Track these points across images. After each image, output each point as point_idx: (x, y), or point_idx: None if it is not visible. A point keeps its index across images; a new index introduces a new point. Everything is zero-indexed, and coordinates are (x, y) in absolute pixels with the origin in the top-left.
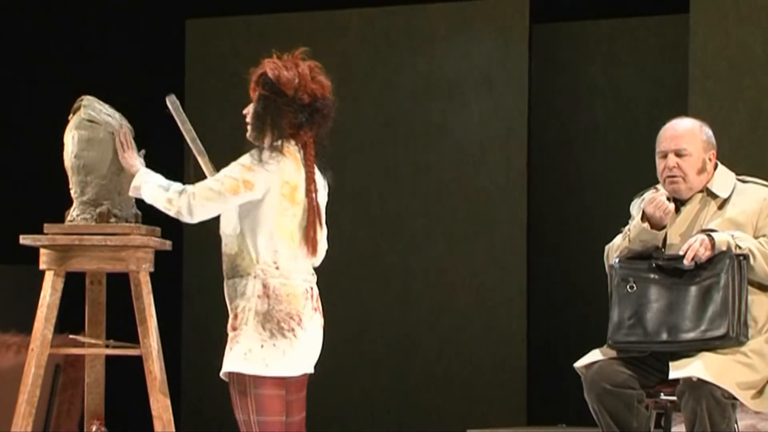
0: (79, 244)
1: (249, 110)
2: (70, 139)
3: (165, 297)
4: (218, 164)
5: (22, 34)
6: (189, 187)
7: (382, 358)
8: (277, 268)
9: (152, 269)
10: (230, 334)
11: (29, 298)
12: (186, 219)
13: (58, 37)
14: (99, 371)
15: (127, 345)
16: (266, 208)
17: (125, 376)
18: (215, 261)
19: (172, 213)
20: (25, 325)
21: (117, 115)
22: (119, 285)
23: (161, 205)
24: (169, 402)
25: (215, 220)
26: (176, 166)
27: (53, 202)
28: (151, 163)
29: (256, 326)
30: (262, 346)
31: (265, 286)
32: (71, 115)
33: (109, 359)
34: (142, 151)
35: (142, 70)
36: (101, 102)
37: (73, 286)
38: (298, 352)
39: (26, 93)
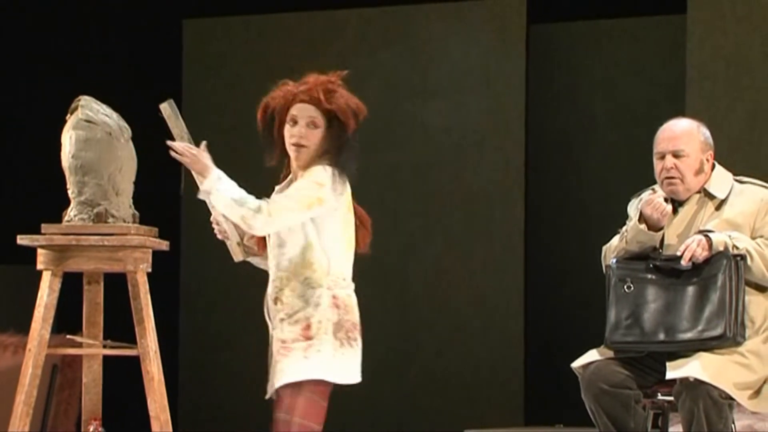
0: (76, 245)
1: (307, 133)
2: (68, 139)
3: (162, 297)
4: (217, 163)
5: (20, 34)
6: (264, 205)
7: (380, 358)
8: (344, 279)
9: (150, 269)
10: (301, 343)
11: (27, 298)
12: (256, 233)
13: (56, 38)
14: (96, 371)
15: (124, 345)
16: (337, 222)
17: (123, 377)
18: (213, 261)
19: (242, 227)
20: (22, 325)
21: (114, 115)
22: (117, 285)
23: (233, 218)
24: (166, 402)
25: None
26: (173, 165)
27: (51, 203)
28: (148, 164)
29: (331, 336)
30: (333, 356)
31: (335, 297)
32: (69, 115)
33: (106, 359)
34: (203, 143)
35: (139, 70)
36: (99, 102)
37: (71, 286)
38: (358, 361)
39: (24, 93)
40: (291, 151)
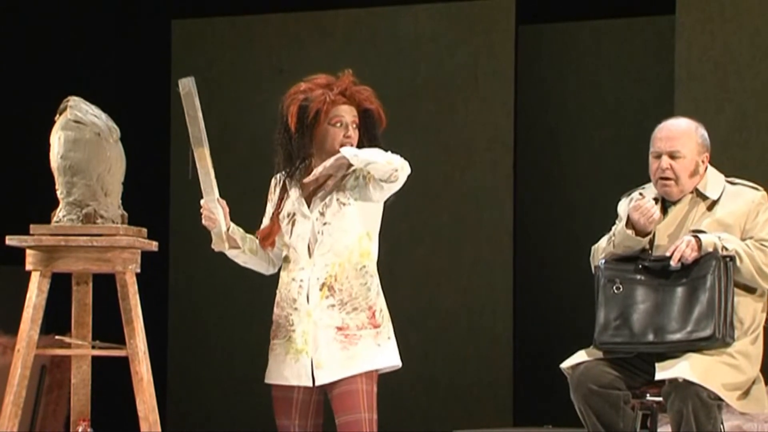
0: (65, 245)
1: (353, 133)
2: (57, 139)
3: (151, 298)
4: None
5: (7, 35)
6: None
7: None
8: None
9: (138, 270)
10: (370, 331)
11: (15, 299)
12: (397, 180)
13: (44, 38)
14: (85, 372)
15: (113, 346)
16: (380, 214)
17: (111, 377)
18: (201, 262)
19: (387, 169)
20: (11, 326)
21: (103, 116)
22: (105, 286)
23: (381, 160)
24: (155, 403)
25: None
26: (162, 166)
27: (39, 203)
28: (137, 165)
29: (390, 324)
30: (395, 343)
31: (379, 284)
32: (57, 116)
33: (95, 360)
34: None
35: (128, 71)
36: (88, 103)
37: (60, 287)
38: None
39: (12, 94)
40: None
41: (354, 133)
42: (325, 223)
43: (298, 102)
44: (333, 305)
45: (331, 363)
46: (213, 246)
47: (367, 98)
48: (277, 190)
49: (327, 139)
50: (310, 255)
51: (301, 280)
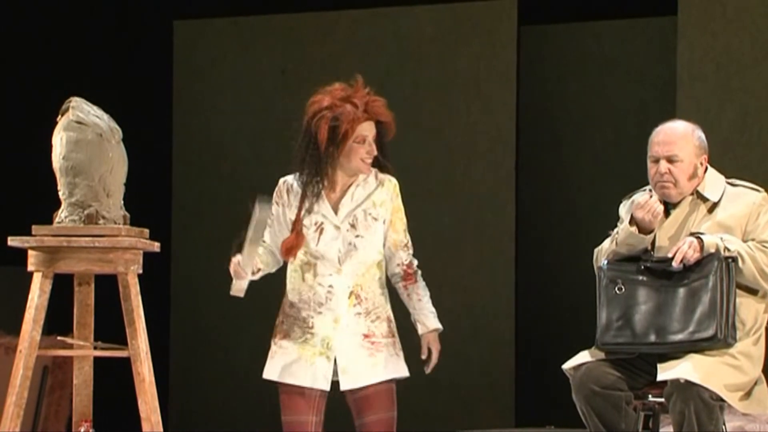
0: (67, 246)
1: (372, 149)
2: (59, 140)
3: (153, 299)
4: (208, 164)
5: (10, 35)
6: None
7: None
8: None
9: (140, 271)
10: (389, 339)
11: (17, 300)
12: None
13: (46, 39)
14: (87, 373)
15: (115, 347)
16: None
17: (113, 378)
18: (203, 262)
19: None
20: (13, 326)
21: (105, 116)
22: (107, 286)
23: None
24: (157, 403)
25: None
26: (164, 166)
27: (41, 204)
28: (140, 164)
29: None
30: None
31: None
32: (59, 116)
33: (97, 361)
34: None
35: (130, 72)
36: (90, 104)
37: (62, 287)
38: None
39: (14, 94)
40: (361, 167)
41: (373, 148)
42: (357, 236)
43: (327, 121)
44: (359, 313)
45: (358, 369)
46: (231, 293)
47: (383, 111)
48: (290, 197)
49: (351, 155)
50: (339, 263)
51: (330, 286)
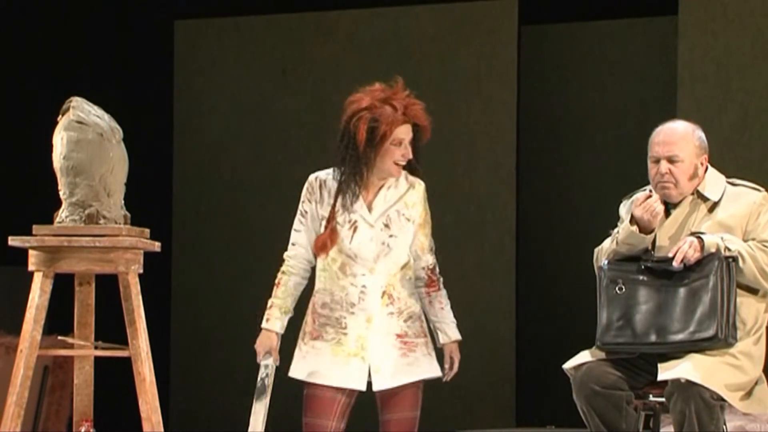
0: (68, 246)
1: (409, 149)
2: (59, 140)
3: (154, 298)
4: (208, 164)
5: (10, 35)
6: None
7: None
8: None
9: (141, 270)
10: (422, 339)
11: (18, 300)
12: None
13: (47, 39)
14: (88, 373)
15: (116, 346)
16: None
17: (114, 378)
18: (204, 262)
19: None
20: (13, 326)
21: (106, 116)
22: (108, 286)
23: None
24: (158, 403)
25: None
26: (165, 166)
27: (42, 204)
28: (140, 164)
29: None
30: None
31: None
32: (60, 116)
33: (98, 361)
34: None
35: (131, 72)
36: (90, 103)
37: (62, 287)
38: None
39: (15, 94)
40: (392, 169)
41: (408, 150)
42: (391, 236)
43: (367, 122)
44: (392, 313)
45: (391, 369)
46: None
47: (421, 115)
48: (323, 192)
49: (386, 156)
50: (373, 262)
51: (363, 286)
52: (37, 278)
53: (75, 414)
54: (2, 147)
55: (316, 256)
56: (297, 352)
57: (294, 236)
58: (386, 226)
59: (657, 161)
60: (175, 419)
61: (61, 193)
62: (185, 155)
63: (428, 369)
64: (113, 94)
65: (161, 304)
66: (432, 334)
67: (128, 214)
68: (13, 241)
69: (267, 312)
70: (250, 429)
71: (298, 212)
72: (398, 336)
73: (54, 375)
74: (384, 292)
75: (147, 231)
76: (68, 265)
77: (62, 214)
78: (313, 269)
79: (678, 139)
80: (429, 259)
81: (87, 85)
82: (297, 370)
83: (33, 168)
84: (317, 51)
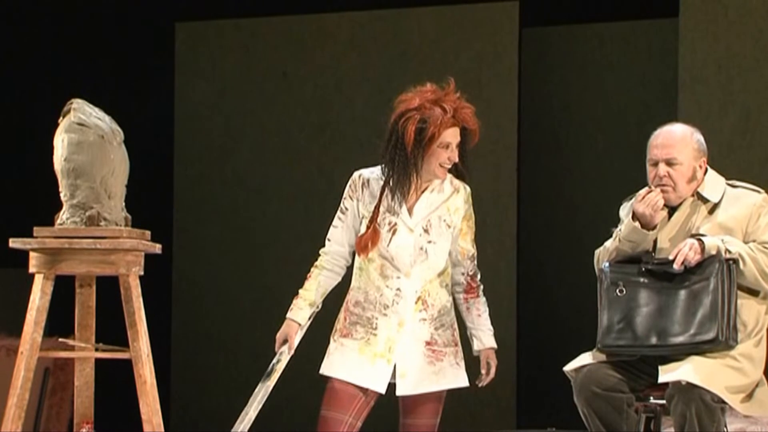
0: (68, 248)
1: (455, 155)
2: (60, 142)
3: (155, 300)
4: (209, 166)
5: (11, 37)
6: None
7: None
8: None
9: (142, 272)
10: (452, 348)
11: (19, 302)
12: None
13: (48, 41)
14: (88, 374)
15: (116, 348)
16: None
17: (115, 380)
18: (204, 264)
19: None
20: (14, 328)
21: (107, 118)
22: (109, 288)
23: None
24: (158, 405)
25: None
26: (166, 168)
27: (43, 206)
28: (141, 166)
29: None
30: None
31: None
32: (61, 118)
33: (98, 362)
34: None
35: (132, 73)
36: (91, 105)
37: (63, 289)
38: None
39: (16, 96)
40: (438, 172)
41: (455, 154)
42: (429, 241)
43: (415, 123)
44: (424, 319)
45: (417, 375)
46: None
47: (471, 119)
48: (365, 192)
49: (432, 158)
50: (409, 266)
51: (398, 289)
52: (38, 280)
53: (75, 416)
54: (3, 149)
55: (353, 254)
56: (328, 350)
57: (331, 232)
58: (426, 231)
59: (655, 164)
60: (176, 421)
61: (62, 195)
62: (186, 157)
63: (453, 379)
64: (114, 95)
65: (162, 306)
66: (462, 342)
67: (129, 216)
68: (14, 243)
69: (293, 302)
70: (245, 409)
71: (339, 208)
72: (427, 343)
73: (55, 377)
74: (419, 298)
75: (148, 233)
76: (69, 267)
77: (63, 216)
78: (350, 267)
79: (676, 142)
80: (469, 266)
81: (88, 86)
82: (327, 367)
83: (34, 170)
84: (318, 53)
